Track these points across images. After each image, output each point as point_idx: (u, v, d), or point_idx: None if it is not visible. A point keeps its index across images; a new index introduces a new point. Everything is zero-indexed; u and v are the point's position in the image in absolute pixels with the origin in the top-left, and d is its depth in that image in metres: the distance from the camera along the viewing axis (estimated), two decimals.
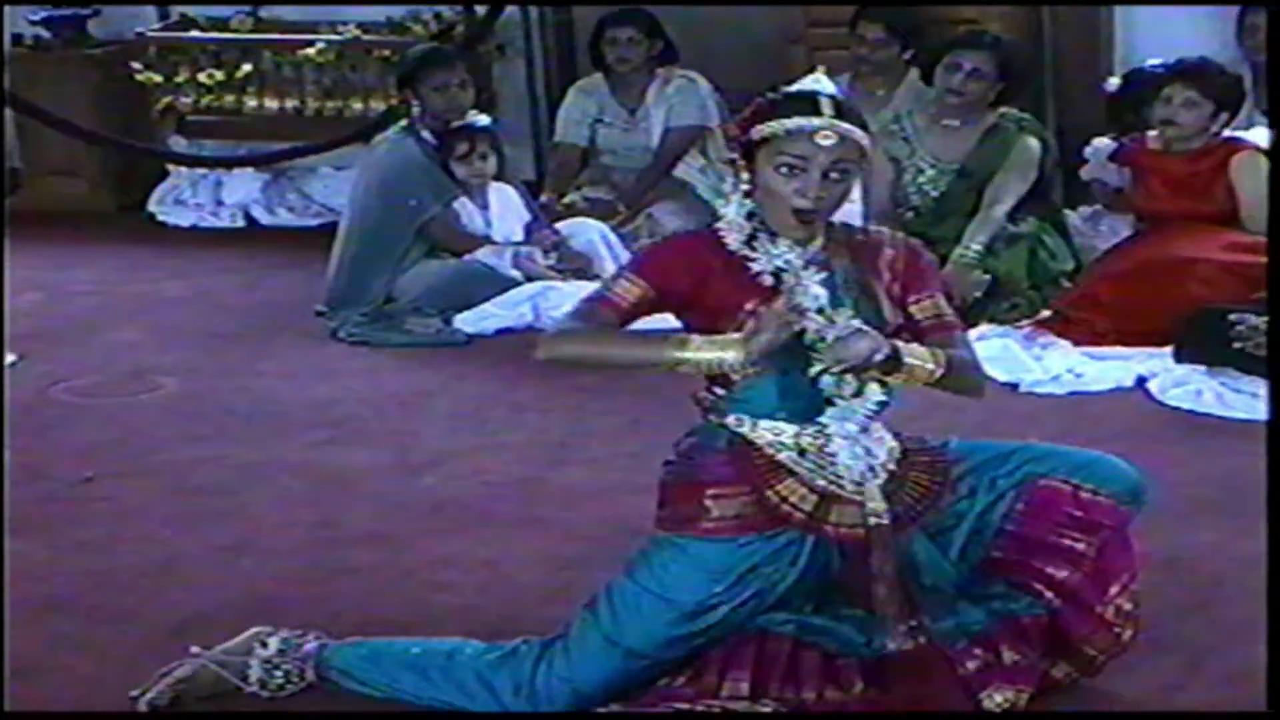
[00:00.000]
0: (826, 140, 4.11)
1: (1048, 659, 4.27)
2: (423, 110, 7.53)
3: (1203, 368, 6.34)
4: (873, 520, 4.19)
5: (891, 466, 4.22)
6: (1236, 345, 6.26)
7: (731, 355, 4.10)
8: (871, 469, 4.20)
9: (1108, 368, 6.45)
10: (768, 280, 4.18)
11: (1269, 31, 6.49)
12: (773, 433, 4.21)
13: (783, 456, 4.21)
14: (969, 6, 8.35)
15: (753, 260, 4.20)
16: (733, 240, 4.22)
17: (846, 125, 4.14)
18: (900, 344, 4.16)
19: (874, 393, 4.20)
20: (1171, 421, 6.12)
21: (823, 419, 4.20)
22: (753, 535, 4.21)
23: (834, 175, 4.15)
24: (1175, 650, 4.50)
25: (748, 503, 4.21)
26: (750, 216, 4.23)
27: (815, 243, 4.24)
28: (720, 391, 4.25)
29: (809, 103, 4.15)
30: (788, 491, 4.19)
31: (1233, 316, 6.32)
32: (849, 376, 4.14)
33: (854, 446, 4.20)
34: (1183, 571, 4.87)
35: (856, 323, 4.10)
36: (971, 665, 4.20)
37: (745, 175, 4.22)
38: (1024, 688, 4.21)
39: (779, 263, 4.18)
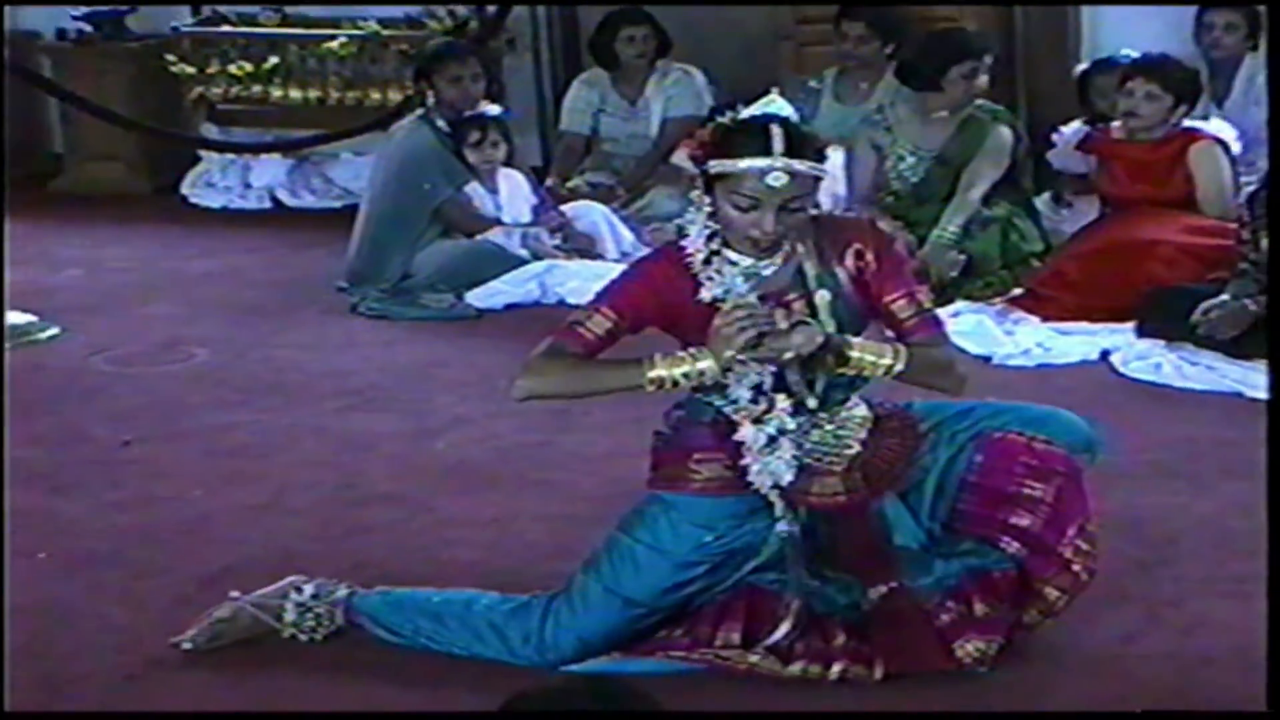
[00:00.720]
0: (777, 180, 4.01)
1: (1016, 610, 4.25)
2: (438, 100, 7.51)
3: (1162, 342, 6.32)
4: (782, 530, 4.20)
5: (863, 435, 4.19)
6: (1193, 322, 6.26)
7: (707, 364, 4.07)
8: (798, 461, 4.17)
9: (1074, 342, 6.44)
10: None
11: (1269, 32, 6.47)
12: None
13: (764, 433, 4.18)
14: (947, 6, 8.30)
15: (706, 283, 4.13)
16: (696, 262, 4.14)
17: (798, 164, 4.03)
18: (850, 338, 4.10)
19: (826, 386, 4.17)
20: (1133, 392, 6.11)
21: (737, 436, 4.17)
22: (738, 493, 4.21)
23: (790, 207, 4.06)
24: (1135, 602, 4.50)
25: (731, 467, 4.21)
26: (712, 236, 4.14)
27: (777, 255, 4.16)
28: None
29: (761, 138, 4.03)
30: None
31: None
32: (797, 368, 4.11)
33: (771, 457, 4.16)
34: (1142, 529, 4.87)
35: (796, 317, 4.06)
36: (945, 618, 4.19)
37: (706, 199, 4.14)
38: (994, 638, 4.19)
39: (718, 291, 4.11)
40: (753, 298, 4.09)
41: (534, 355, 4.23)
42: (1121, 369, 6.27)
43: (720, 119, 4.12)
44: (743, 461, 4.18)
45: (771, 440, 4.15)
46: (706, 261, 4.14)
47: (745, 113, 4.12)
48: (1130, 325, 6.47)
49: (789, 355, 4.05)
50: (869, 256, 4.21)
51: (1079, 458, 4.25)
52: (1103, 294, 6.60)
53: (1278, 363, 5.03)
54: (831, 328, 4.13)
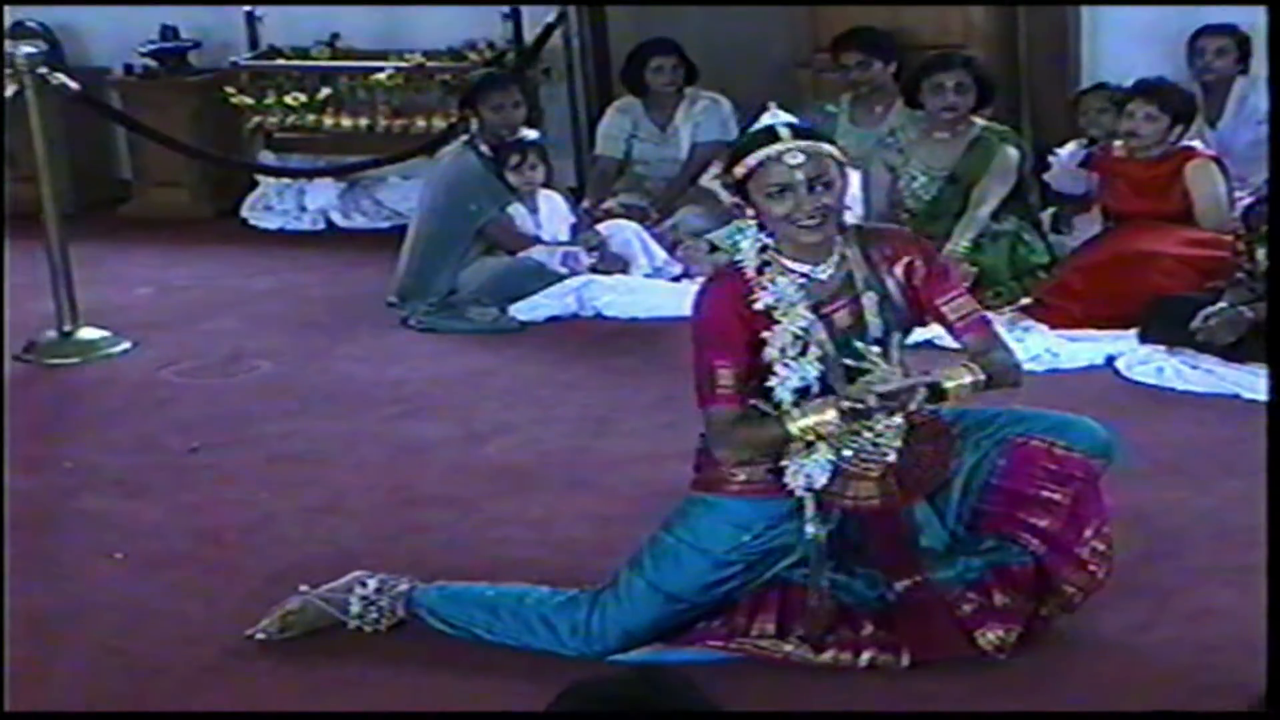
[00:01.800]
0: (795, 159, 4.04)
1: (1034, 602, 4.25)
2: (481, 126, 7.51)
3: (1164, 348, 6.30)
4: (809, 533, 4.18)
5: (898, 444, 4.16)
6: (1193, 328, 6.24)
7: (831, 415, 4.07)
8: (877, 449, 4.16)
9: (1080, 348, 6.42)
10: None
11: (1269, 31, 6.44)
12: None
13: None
14: (955, 33, 8.26)
15: (760, 293, 4.15)
16: (749, 272, 4.16)
17: (808, 142, 4.09)
18: (941, 376, 4.10)
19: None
20: (1137, 394, 6.09)
21: (786, 474, 4.16)
22: (776, 495, 4.19)
23: (818, 188, 4.07)
24: (1143, 593, 4.49)
25: (771, 470, 4.19)
26: (764, 249, 4.17)
27: (830, 259, 4.18)
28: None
29: (768, 135, 4.10)
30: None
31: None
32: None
33: (808, 459, 4.14)
34: (1148, 524, 4.85)
35: (897, 374, 4.06)
36: (967, 608, 4.19)
37: (749, 211, 4.18)
38: (1013, 627, 4.20)
39: (770, 300, 4.12)
40: (801, 308, 4.10)
41: (715, 431, 4.17)
42: (1126, 373, 6.25)
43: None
44: (781, 463, 4.17)
45: (809, 443, 4.14)
46: (759, 271, 4.15)
47: (761, 122, 4.17)
48: (1133, 332, 6.45)
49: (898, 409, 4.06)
50: (918, 264, 4.22)
51: (1097, 463, 4.23)
52: (1107, 303, 6.57)
53: (1278, 363, 5.01)
54: (878, 329, 4.15)
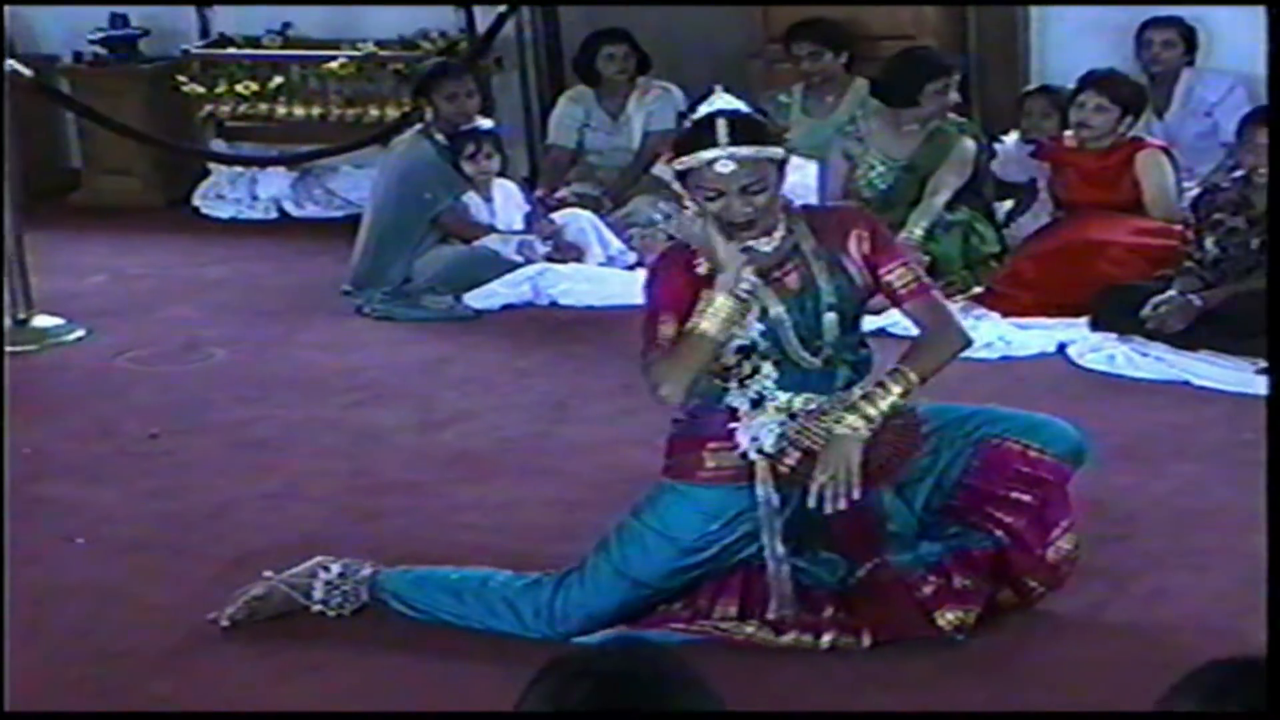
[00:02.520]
0: (726, 168, 4.10)
1: (993, 585, 4.31)
2: (436, 116, 7.53)
3: (1115, 335, 6.37)
4: (759, 495, 4.23)
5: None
6: (1143, 316, 6.30)
7: (721, 300, 4.10)
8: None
9: (1032, 336, 6.47)
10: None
11: (1268, 31, 6.50)
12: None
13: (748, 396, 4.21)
14: (898, 36, 8.26)
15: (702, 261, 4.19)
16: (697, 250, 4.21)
17: (743, 150, 4.10)
18: (868, 404, 4.17)
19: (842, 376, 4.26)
20: (1089, 382, 6.14)
21: (727, 399, 4.22)
22: (744, 484, 4.24)
23: (751, 191, 4.13)
24: (1101, 575, 4.53)
25: (742, 455, 4.23)
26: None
27: (775, 235, 4.25)
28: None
29: (710, 132, 4.11)
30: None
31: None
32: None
33: (756, 421, 4.20)
34: (1104, 509, 4.87)
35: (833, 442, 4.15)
36: (926, 589, 4.24)
37: (688, 198, 4.23)
38: (972, 608, 4.25)
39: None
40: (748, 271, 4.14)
41: (652, 369, 4.18)
42: (1077, 360, 6.30)
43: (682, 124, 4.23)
44: (731, 425, 4.21)
45: (756, 404, 4.18)
46: None
47: (697, 112, 4.19)
48: (1084, 320, 6.50)
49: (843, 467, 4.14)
50: (864, 235, 4.28)
51: (1068, 466, 4.30)
52: (1058, 291, 6.62)
53: (1278, 363, 5.07)
54: (831, 293, 4.21)
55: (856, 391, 4.24)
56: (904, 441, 4.25)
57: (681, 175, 4.19)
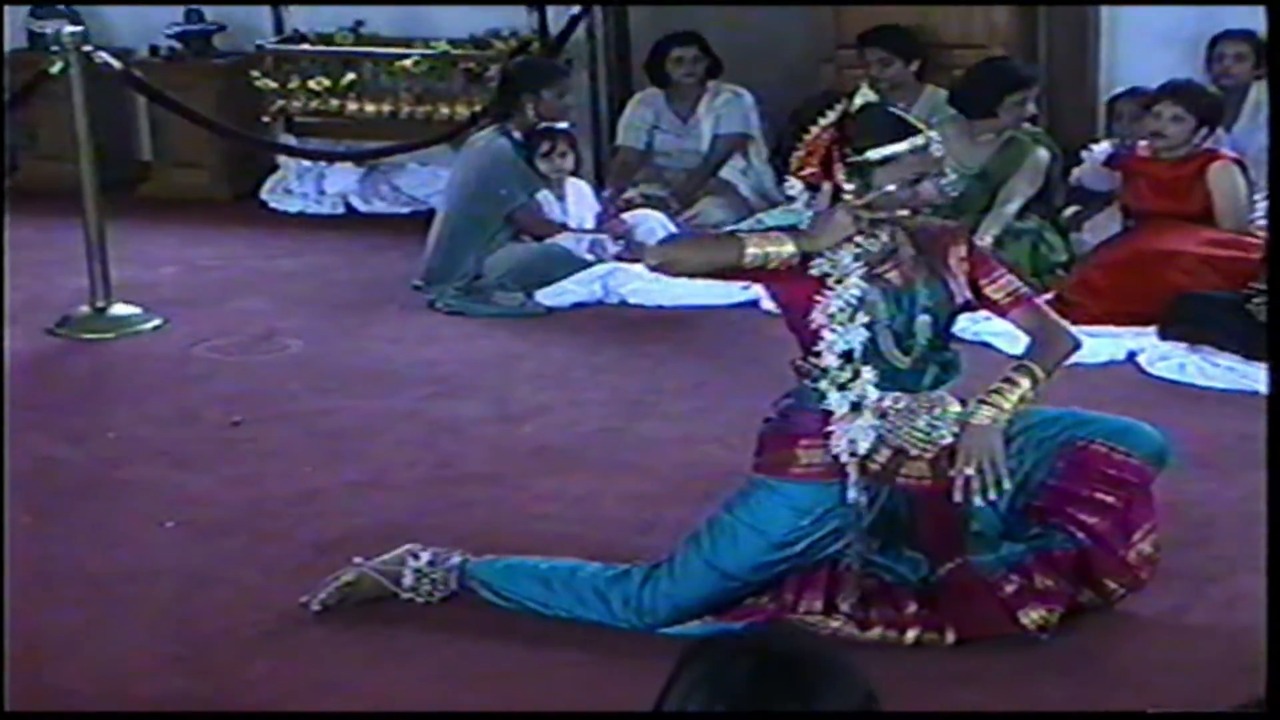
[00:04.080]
0: (939, 151, 4.26)
1: (1075, 586, 4.37)
2: (535, 109, 7.53)
3: (1184, 345, 6.42)
4: (850, 497, 4.29)
5: (956, 429, 4.26)
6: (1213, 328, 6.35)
7: (789, 248, 4.18)
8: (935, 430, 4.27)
9: (1102, 344, 6.45)
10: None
11: (1268, 32, 6.55)
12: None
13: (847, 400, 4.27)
14: (973, 46, 8.30)
15: (817, 260, 4.25)
16: None
17: (934, 138, 4.26)
18: (999, 398, 4.26)
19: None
20: (1159, 390, 6.19)
21: (825, 404, 4.27)
22: (834, 480, 4.30)
23: (930, 178, 4.26)
24: (1180, 578, 4.60)
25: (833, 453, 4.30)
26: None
27: (883, 235, 4.30)
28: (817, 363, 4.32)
29: (898, 121, 4.25)
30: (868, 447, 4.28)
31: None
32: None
33: (853, 425, 4.26)
34: (1179, 514, 4.90)
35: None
36: (1009, 589, 4.31)
37: (825, 186, 4.26)
38: (1055, 608, 4.32)
39: (827, 268, 4.23)
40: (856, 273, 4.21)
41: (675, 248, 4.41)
42: (1147, 368, 6.35)
43: (827, 118, 4.21)
44: (827, 428, 4.28)
45: (854, 407, 4.26)
46: None
47: (857, 102, 4.24)
48: (1153, 329, 6.55)
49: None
50: (962, 249, 4.38)
51: (1152, 469, 4.37)
52: (1127, 300, 6.66)
53: (1278, 361, 5.11)
54: (926, 297, 4.30)
55: (945, 392, 4.30)
56: None
57: (860, 164, 4.20)
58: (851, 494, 4.29)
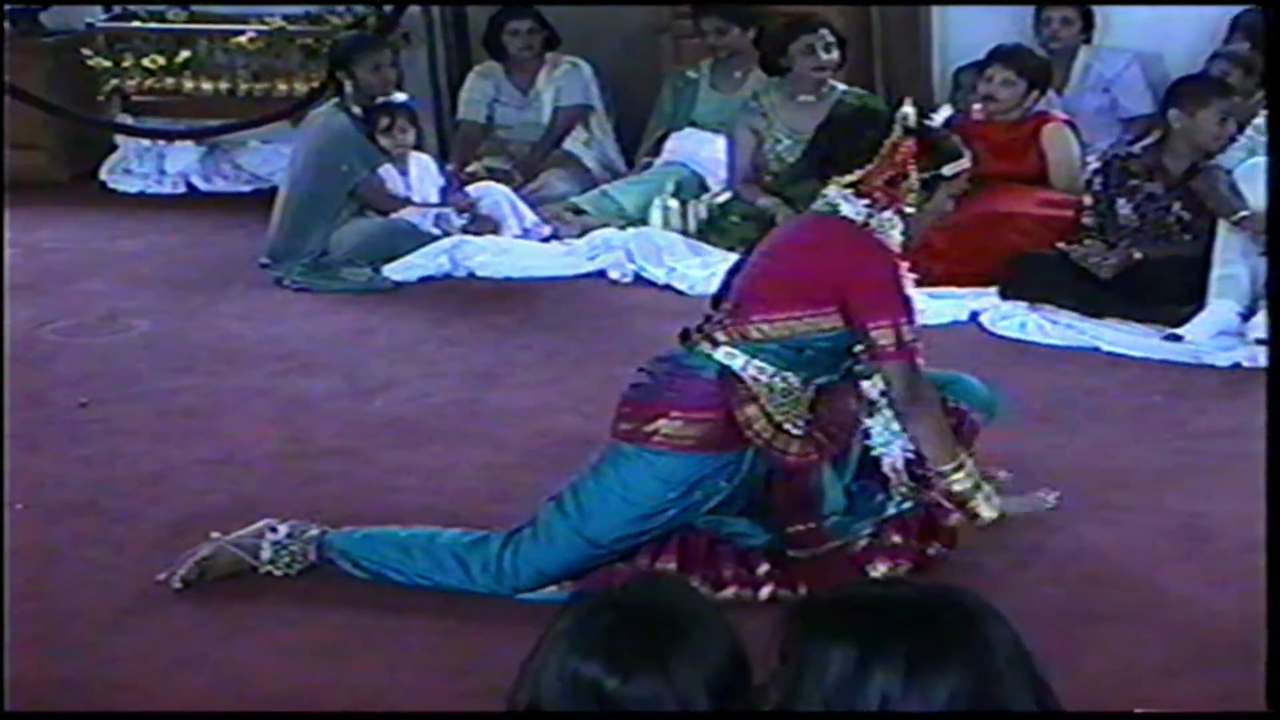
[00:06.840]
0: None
1: (923, 541, 4.50)
2: (356, 87, 7.58)
3: (1024, 304, 6.55)
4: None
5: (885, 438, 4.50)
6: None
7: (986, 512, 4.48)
8: None
9: (945, 305, 6.58)
10: None
11: (1268, 31, 6.67)
12: (770, 376, 4.39)
13: (761, 391, 4.37)
14: (809, 6, 8.42)
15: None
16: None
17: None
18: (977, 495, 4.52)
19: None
20: (1001, 348, 6.29)
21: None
22: (703, 453, 4.37)
23: None
24: (1023, 531, 4.70)
25: (712, 426, 4.36)
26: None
27: None
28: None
29: (958, 142, 4.53)
30: (754, 418, 4.36)
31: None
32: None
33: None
34: (1022, 468, 5.01)
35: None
36: (858, 545, 4.45)
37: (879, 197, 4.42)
38: (902, 563, 4.45)
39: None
40: None
41: (918, 382, 4.44)
42: (990, 328, 6.46)
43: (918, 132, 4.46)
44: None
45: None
46: None
47: (912, 119, 4.45)
48: (994, 290, 6.68)
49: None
50: None
51: (980, 416, 4.58)
52: (968, 261, 6.76)
53: (1278, 361, 5.22)
54: None
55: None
56: (847, 408, 4.50)
57: (929, 182, 4.44)
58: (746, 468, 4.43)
